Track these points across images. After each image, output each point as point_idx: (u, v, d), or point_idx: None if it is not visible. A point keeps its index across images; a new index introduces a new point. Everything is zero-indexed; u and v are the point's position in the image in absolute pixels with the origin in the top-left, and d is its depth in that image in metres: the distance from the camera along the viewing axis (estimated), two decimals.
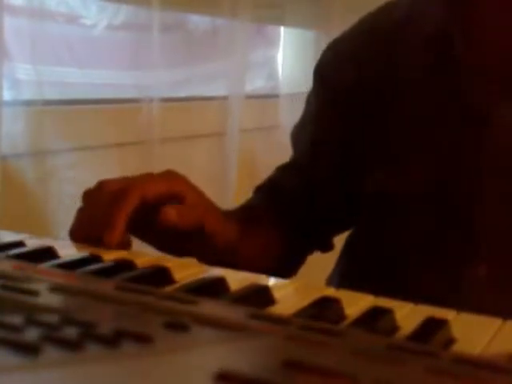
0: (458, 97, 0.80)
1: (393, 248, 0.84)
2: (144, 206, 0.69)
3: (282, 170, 0.96)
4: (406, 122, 0.83)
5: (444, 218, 0.80)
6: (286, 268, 0.94)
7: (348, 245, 0.95)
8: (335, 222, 0.95)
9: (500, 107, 0.77)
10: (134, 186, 0.70)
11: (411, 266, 0.82)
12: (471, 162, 0.78)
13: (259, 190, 0.96)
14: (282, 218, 0.91)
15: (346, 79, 0.89)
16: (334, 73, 0.91)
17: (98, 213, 0.68)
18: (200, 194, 0.76)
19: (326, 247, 0.96)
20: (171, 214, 0.70)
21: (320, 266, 1.01)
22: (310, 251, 0.97)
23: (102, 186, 0.71)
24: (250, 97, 1.85)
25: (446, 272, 0.80)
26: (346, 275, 0.93)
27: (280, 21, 2.09)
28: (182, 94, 1.78)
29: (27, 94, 1.30)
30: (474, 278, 0.78)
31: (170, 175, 0.74)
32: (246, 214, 0.89)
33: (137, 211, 0.69)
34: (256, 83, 2.01)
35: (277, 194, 0.93)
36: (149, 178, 0.73)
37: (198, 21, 1.87)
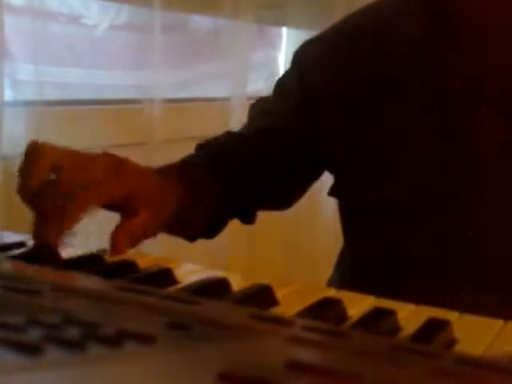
0: (431, 108, 0.79)
1: (386, 249, 0.84)
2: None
3: (232, 136, 0.96)
4: (386, 126, 0.83)
5: (430, 223, 0.80)
6: (208, 232, 0.94)
7: (346, 247, 0.95)
8: (270, 201, 0.97)
9: (476, 116, 0.77)
10: (93, 189, 0.66)
11: (407, 267, 0.82)
12: (451, 170, 0.78)
13: (203, 148, 0.95)
14: (223, 182, 0.91)
15: (326, 80, 0.88)
16: (316, 67, 0.90)
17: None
18: (146, 195, 0.73)
19: (249, 219, 0.97)
20: (121, 247, 0.68)
21: (321, 267, 1.01)
22: (232, 218, 0.96)
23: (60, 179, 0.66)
24: (251, 98, 1.84)
25: (439, 272, 0.80)
26: (345, 278, 0.93)
27: (282, 21, 2.09)
28: (184, 94, 1.78)
29: (28, 95, 1.30)
30: (464, 282, 0.78)
31: (123, 176, 0.70)
32: (189, 176, 0.87)
33: None
34: (258, 84, 2.01)
35: (223, 159, 0.93)
36: (105, 180, 0.68)
37: (200, 21, 1.87)
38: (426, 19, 0.81)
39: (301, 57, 0.94)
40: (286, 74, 0.95)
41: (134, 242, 0.69)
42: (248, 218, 0.97)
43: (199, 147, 0.96)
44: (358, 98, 0.85)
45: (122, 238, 0.68)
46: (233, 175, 0.92)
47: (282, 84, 0.96)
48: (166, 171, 0.84)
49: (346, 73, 0.87)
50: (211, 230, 0.95)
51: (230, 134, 0.96)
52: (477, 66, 0.78)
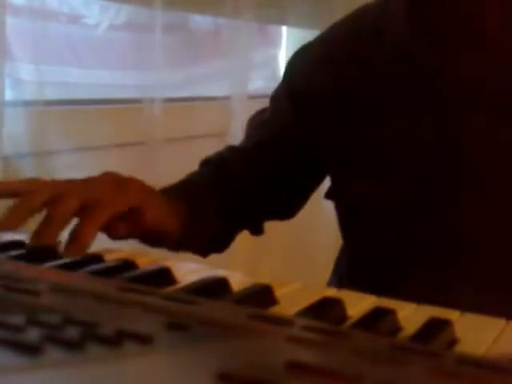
0: (430, 109, 0.79)
1: (386, 249, 0.84)
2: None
3: (233, 151, 0.98)
4: (385, 126, 0.82)
5: (430, 223, 0.80)
6: (217, 246, 0.97)
7: (344, 247, 0.95)
8: (274, 212, 0.99)
9: (475, 116, 0.77)
10: (105, 202, 0.69)
11: (407, 266, 0.82)
12: (451, 170, 0.78)
13: (206, 164, 0.98)
14: (225, 198, 0.94)
15: (317, 83, 0.89)
16: (305, 77, 0.91)
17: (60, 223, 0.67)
18: (151, 206, 0.76)
19: (258, 231, 0.99)
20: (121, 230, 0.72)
21: (321, 267, 1.01)
22: (240, 231, 0.99)
23: (63, 195, 0.67)
24: (252, 97, 1.84)
25: (433, 275, 0.80)
26: (344, 278, 0.93)
27: (282, 20, 2.09)
28: (184, 94, 1.78)
29: (29, 94, 1.30)
30: (459, 282, 0.78)
31: (126, 192, 0.73)
32: (190, 195, 0.91)
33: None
34: (258, 83, 2.01)
35: (224, 174, 0.95)
36: (114, 194, 0.71)
37: (200, 21, 1.87)
38: (424, 19, 0.81)
39: (289, 67, 0.96)
40: (279, 86, 0.97)
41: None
42: (256, 230, 0.98)
43: (202, 163, 0.98)
44: (355, 99, 0.85)
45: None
46: (233, 190, 0.94)
47: (275, 96, 0.97)
48: (168, 191, 0.88)
49: (343, 75, 0.87)
50: (218, 244, 0.97)
51: (230, 149, 0.98)
52: (476, 67, 0.78)
